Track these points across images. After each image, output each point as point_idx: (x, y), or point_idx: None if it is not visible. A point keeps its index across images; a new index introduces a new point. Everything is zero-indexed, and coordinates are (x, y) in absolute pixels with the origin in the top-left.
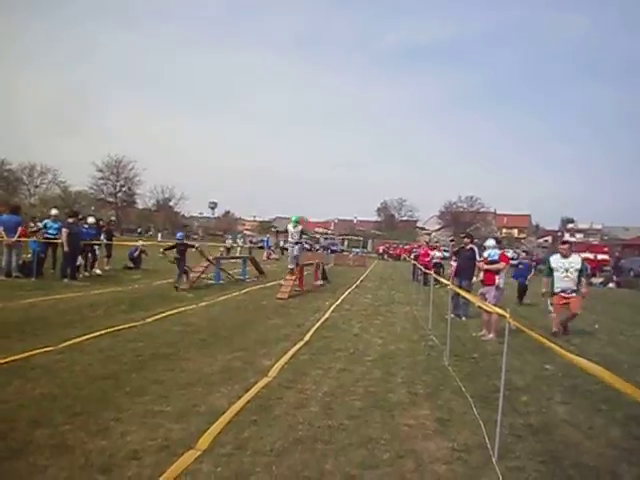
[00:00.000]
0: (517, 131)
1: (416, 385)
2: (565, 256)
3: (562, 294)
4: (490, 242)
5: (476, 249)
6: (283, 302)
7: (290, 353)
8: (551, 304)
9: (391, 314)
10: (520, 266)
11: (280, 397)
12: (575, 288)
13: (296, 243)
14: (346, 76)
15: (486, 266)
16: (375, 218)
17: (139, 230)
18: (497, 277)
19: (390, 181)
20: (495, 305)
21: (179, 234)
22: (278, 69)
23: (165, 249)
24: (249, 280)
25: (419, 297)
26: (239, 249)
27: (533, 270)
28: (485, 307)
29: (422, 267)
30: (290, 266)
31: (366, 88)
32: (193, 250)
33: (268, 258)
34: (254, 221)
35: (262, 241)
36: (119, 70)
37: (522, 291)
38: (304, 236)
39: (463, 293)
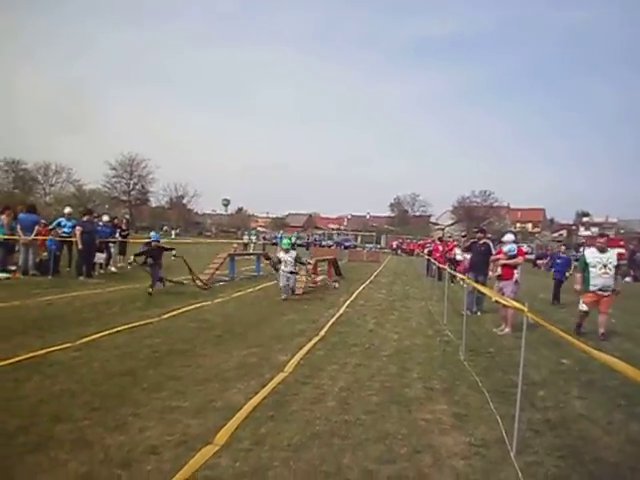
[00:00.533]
0: (531, 124)
1: (432, 380)
2: (602, 250)
3: (598, 292)
4: (509, 237)
5: (491, 244)
6: (297, 298)
7: (306, 349)
8: (583, 302)
9: (406, 309)
10: (558, 261)
11: (296, 392)
12: (613, 286)
13: (291, 272)
14: (357, 72)
15: (506, 261)
16: (388, 213)
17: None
18: (515, 271)
19: (403, 176)
20: (513, 299)
21: (154, 235)
22: (289, 65)
23: (136, 255)
24: (263, 276)
25: (434, 292)
26: (252, 245)
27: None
28: (503, 301)
29: (436, 262)
30: (283, 295)
31: (377, 83)
32: (172, 258)
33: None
34: (267, 218)
35: (275, 237)
36: (132, 68)
37: (558, 290)
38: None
39: (480, 288)
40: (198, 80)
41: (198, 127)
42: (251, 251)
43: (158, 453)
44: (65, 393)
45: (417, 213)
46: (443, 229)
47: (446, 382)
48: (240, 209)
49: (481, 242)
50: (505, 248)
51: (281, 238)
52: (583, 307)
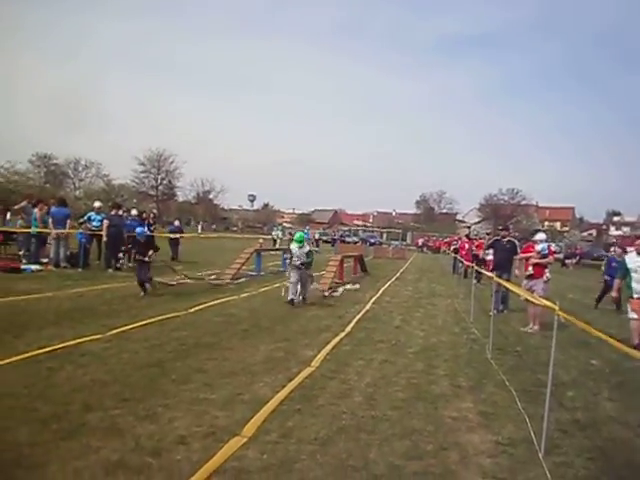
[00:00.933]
0: (560, 122)
1: (459, 378)
2: None
3: None
4: (541, 236)
5: (517, 242)
6: (323, 293)
7: (332, 344)
8: (632, 310)
9: (432, 306)
10: (614, 264)
11: (323, 387)
12: None
13: (299, 267)
14: (384, 68)
15: (538, 260)
16: (414, 211)
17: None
18: (545, 270)
19: (430, 174)
20: (543, 298)
21: (138, 229)
22: (315, 61)
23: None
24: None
25: (460, 290)
26: (279, 241)
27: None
28: (533, 300)
29: (463, 260)
30: (290, 296)
31: (405, 81)
32: (147, 258)
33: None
34: (292, 213)
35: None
36: (159, 65)
37: (605, 292)
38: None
39: (509, 286)
40: (225, 77)
41: (225, 123)
42: (277, 247)
43: (187, 443)
44: (96, 383)
45: (443, 210)
46: (469, 227)
47: (472, 380)
48: (266, 205)
49: (506, 240)
50: (538, 247)
51: (307, 234)
52: (632, 315)
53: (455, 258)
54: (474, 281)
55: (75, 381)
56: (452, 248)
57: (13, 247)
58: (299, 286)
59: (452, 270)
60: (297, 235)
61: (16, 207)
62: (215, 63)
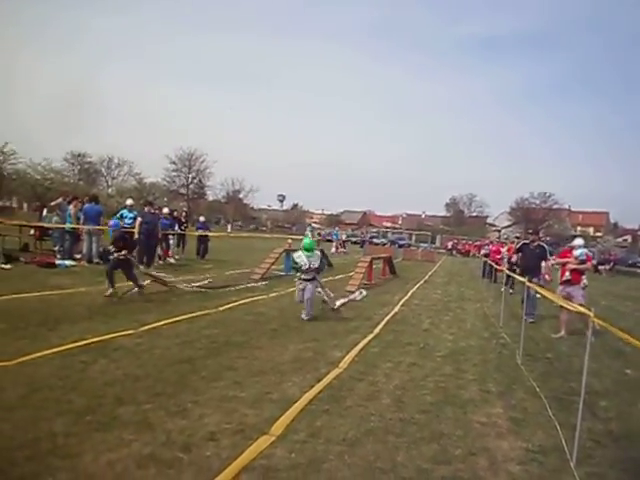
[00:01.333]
0: (593, 125)
1: (488, 383)
2: None
3: None
4: (579, 241)
5: (547, 247)
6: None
7: (360, 345)
8: None
9: (461, 310)
10: None
11: (351, 388)
12: None
13: (311, 280)
14: (412, 69)
15: (576, 266)
16: (443, 213)
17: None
18: (583, 276)
19: (460, 176)
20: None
21: (113, 221)
22: (344, 61)
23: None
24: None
25: (489, 294)
26: None
27: None
28: (568, 306)
29: (493, 263)
30: (303, 315)
31: (434, 81)
32: (122, 256)
33: (337, 251)
34: (322, 214)
35: (330, 234)
36: (190, 66)
37: None
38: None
39: (543, 292)
40: (256, 77)
41: (256, 123)
42: None
43: (217, 440)
44: (129, 377)
45: (473, 214)
46: (499, 230)
47: (502, 385)
48: (295, 205)
49: (535, 244)
50: (576, 252)
51: (337, 235)
52: None
53: (485, 262)
54: (505, 286)
55: (108, 375)
56: (482, 252)
57: (49, 243)
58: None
59: (482, 274)
60: (305, 242)
61: (52, 204)
62: (246, 63)
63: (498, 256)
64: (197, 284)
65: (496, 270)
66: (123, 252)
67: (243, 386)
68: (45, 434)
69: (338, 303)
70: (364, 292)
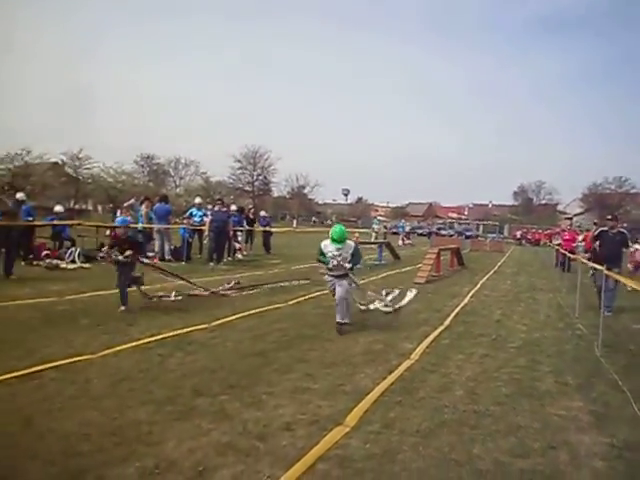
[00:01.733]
0: None
1: (565, 375)
2: None
3: None
4: None
5: (627, 234)
6: (420, 287)
7: (431, 337)
8: None
9: (533, 301)
10: None
11: (424, 380)
12: None
13: (342, 276)
14: (476, 53)
15: None
16: (511, 202)
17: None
18: None
19: (527, 163)
20: None
21: (119, 219)
22: (402, 52)
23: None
24: (385, 265)
25: (563, 284)
26: (374, 235)
27: None
28: None
29: (566, 252)
30: (339, 319)
31: (498, 66)
32: (125, 259)
33: (403, 243)
34: (386, 207)
35: (396, 227)
36: (256, 61)
37: None
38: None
39: (628, 281)
40: (316, 72)
41: (320, 118)
42: (373, 240)
43: (292, 430)
44: (204, 370)
45: (543, 201)
46: (571, 218)
47: (580, 378)
48: (360, 198)
49: (614, 231)
50: None
51: (403, 227)
52: None
53: (557, 251)
54: (591, 277)
55: (185, 367)
56: (554, 241)
57: None
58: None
59: (555, 263)
60: (334, 230)
61: (125, 205)
62: (306, 58)
63: (573, 244)
64: (226, 286)
65: (570, 259)
66: (127, 253)
67: (316, 378)
68: (130, 422)
69: (363, 308)
70: (409, 295)
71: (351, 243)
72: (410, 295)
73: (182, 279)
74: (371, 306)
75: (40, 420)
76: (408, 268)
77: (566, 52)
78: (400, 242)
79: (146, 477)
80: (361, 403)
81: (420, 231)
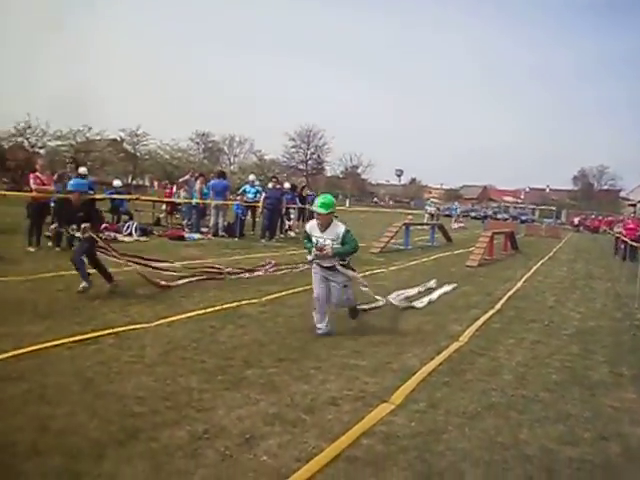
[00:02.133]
0: None
1: (620, 366)
2: None
3: None
4: None
5: None
6: (472, 270)
7: (481, 320)
8: None
9: (589, 289)
10: None
11: (472, 362)
12: None
13: (331, 268)
14: (536, 32)
15: None
16: (570, 187)
17: None
18: None
19: (589, 147)
20: None
21: (72, 182)
22: (459, 34)
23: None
24: (437, 247)
25: (622, 273)
26: (426, 216)
27: None
28: None
29: (629, 241)
30: (316, 324)
31: (555, 46)
32: (81, 234)
33: (456, 226)
34: (440, 189)
35: (449, 209)
36: (308, 43)
37: None
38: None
39: None
40: (367, 53)
41: (373, 99)
42: (425, 221)
43: (338, 405)
44: (254, 342)
45: (604, 187)
46: (634, 205)
47: (637, 369)
48: (413, 179)
49: None
50: None
51: (456, 209)
52: None
53: (617, 239)
54: None
55: (235, 339)
56: (617, 229)
57: (179, 218)
58: (330, 303)
59: (614, 252)
60: (321, 200)
61: (180, 180)
62: (360, 37)
63: (637, 233)
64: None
65: (633, 248)
66: (84, 226)
67: (363, 355)
68: (182, 389)
69: (366, 306)
70: (436, 293)
71: (341, 226)
72: (445, 289)
73: (140, 262)
74: (394, 301)
75: (99, 382)
76: (460, 251)
77: (636, 30)
78: (453, 225)
79: (196, 441)
80: (408, 382)
81: (474, 214)
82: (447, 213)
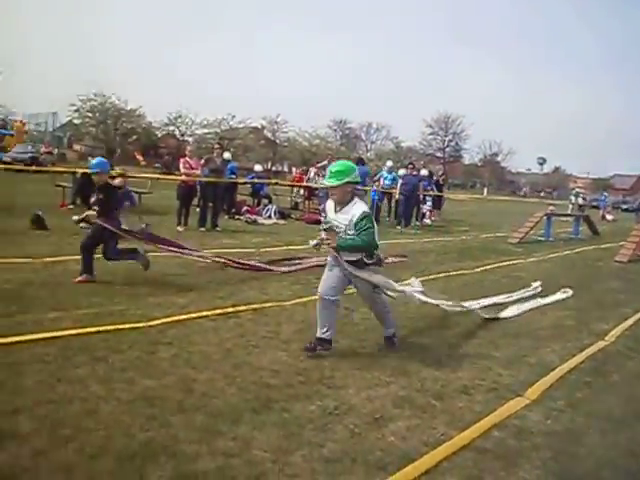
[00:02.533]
0: None
1: None
2: None
3: None
4: None
5: None
6: (622, 265)
7: (631, 320)
8: None
9: None
10: None
11: (619, 364)
12: None
13: (352, 262)
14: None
15: None
16: None
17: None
18: None
19: None
20: None
21: (95, 162)
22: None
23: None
24: (582, 240)
25: None
26: (571, 207)
27: None
28: None
29: None
30: (319, 330)
31: None
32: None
33: (603, 218)
34: (587, 178)
35: (596, 200)
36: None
37: None
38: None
39: None
40: (515, 40)
41: (514, 85)
42: (569, 212)
43: (469, 394)
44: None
45: None
46: None
47: None
48: (557, 168)
49: None
50: None
51: (604, 201)
52: None
53: None
54: None
55: (369, 322)
56: None
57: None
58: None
59: None
60: (331, 168)
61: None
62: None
63: None
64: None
65: None
66: (87, 214)
67: (498, 346)
68: (315, 366)
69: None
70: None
71: (359, 206)
72: (557, 297)
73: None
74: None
75: (237, 353)
76: (608, 245)
77: None
78: (606, 216)
79: (326, 416)
80: (545, 377)
81: (625, 206)
82: (595, 204)
